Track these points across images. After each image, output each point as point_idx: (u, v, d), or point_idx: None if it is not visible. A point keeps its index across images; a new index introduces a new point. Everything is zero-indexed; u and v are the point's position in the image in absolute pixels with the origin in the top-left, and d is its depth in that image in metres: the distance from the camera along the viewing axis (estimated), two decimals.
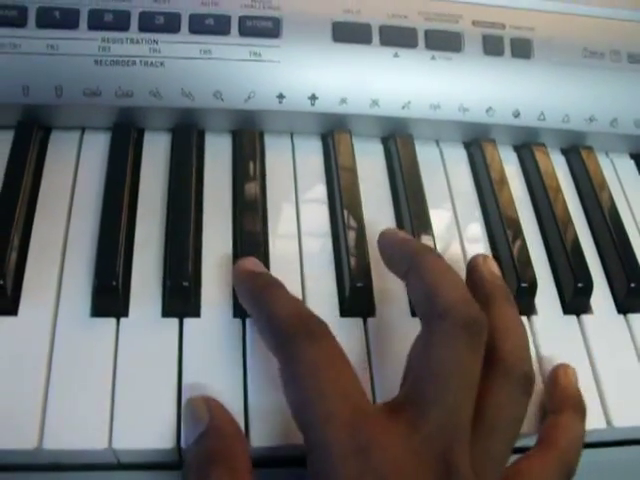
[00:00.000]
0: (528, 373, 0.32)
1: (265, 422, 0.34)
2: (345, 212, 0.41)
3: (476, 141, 0.48)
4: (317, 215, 0.43)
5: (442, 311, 0.30)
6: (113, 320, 0.36)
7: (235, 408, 0.33)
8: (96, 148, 0.44)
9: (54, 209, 0.40)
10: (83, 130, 0.45)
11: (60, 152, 0.43)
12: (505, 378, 0.31)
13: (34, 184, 0.41)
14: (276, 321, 0.31)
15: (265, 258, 0.39)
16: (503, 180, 0.45)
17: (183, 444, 0.33)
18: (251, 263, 0.37)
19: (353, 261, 0.39)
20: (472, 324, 0.30)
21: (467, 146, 0.49)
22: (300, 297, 0.39)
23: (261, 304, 0.33)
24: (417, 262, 0.33)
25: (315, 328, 0.30)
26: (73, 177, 0.42)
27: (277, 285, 0.34)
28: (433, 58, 0.46)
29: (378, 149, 0.47)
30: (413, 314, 0.39)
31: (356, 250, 0.39)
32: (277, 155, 0.45)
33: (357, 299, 0.39)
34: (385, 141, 0.47)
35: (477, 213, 0.45)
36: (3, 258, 0.36)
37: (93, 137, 0.44)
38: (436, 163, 0.47)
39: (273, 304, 0.32)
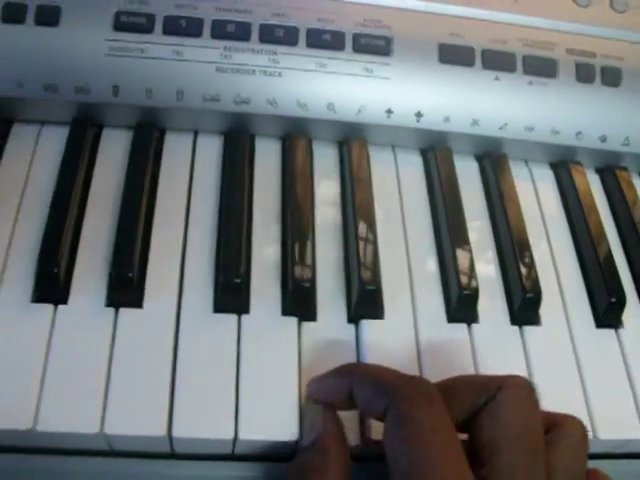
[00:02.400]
0: (584, 429, 0.33)
1: None
2: (450, 221, 0.43)
3: (563, 163, 0.50)
4: (421, 225, 0.45)
5: (499, 384, 0.31)
6: (234, 317, 0.38)
7: None
8: (210, 150, 0.45)
9: (171, 215, 0.42)
10: (196, 133, 0.46)
11: (176, 154, 0.45)
12: (568, 439, 0.32)
13: (153, 184, 0.43)
14: (386, 381, 0.31)
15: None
16: (592, 204, 0.47)
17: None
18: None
19: (458, 271, 0.41)
20: (529, 385, 0.32)
21: (554, 167, 0.51)
22: (410, 308, 0.40)
23: (366, 370, 0.33)
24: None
25: (429, 390, 0.30)
26: (189, 180, 0.44)
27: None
28: (530, 83, 0.48)
29: (473, 166, 0.49)
30: (513, 322, 0.41)
31: (461, 263, 0.41)
32: (382, 167, 0.47)
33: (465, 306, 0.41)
34: (479, 159, 0.49)
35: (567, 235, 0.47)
36: (132, 253, 0.38)
37: (207, 140, 0.46)
38: (527, 182, 0.49)
39: (378, 369, 0.33)
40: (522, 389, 0.31)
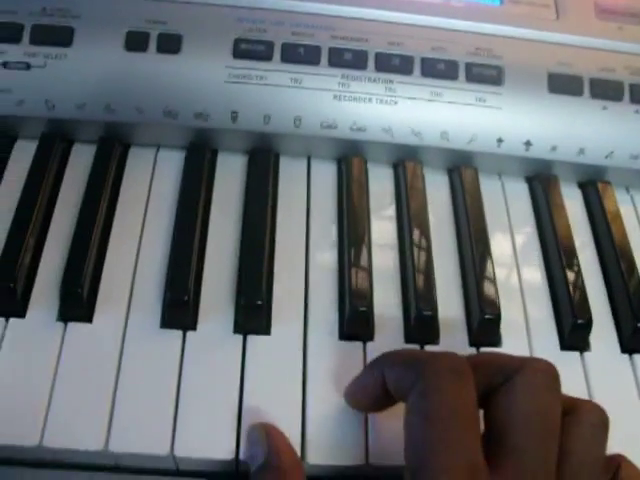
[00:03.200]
0: (604, 414, 0.32)
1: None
2: (560, 248, 0.44)
3: None
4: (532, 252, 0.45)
5: (519, 365, 0.31)
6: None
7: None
8: (324, 177, 0.46)
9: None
10: (309, 159, 0.47)
11: (292, 178, 0.46)
12: (585, 424, 0.31)
13: (273, 206, 0.44)
14: (416, 356, 0.32)
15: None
16: None
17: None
18: None
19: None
20: (550, 369, 0.31)
21: None
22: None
23: (397, 352, 0.34)
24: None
25: (460, 366, 0.30)
26: (307, 204, 0.45)
27: None
28: (637, 112, 0.48)
29: (577, 194, 0.50)
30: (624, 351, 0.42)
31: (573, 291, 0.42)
32: (491, 195, 0.47)
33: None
34: (583, 187, 0.50)
35: None
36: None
37: (322, 166, 0.47)
38: (630, 211, 0.50)
39: (410, 349, 0.34)
40: (541, 372, 0.31)
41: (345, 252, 0.42)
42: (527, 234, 0.47)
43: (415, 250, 0.42)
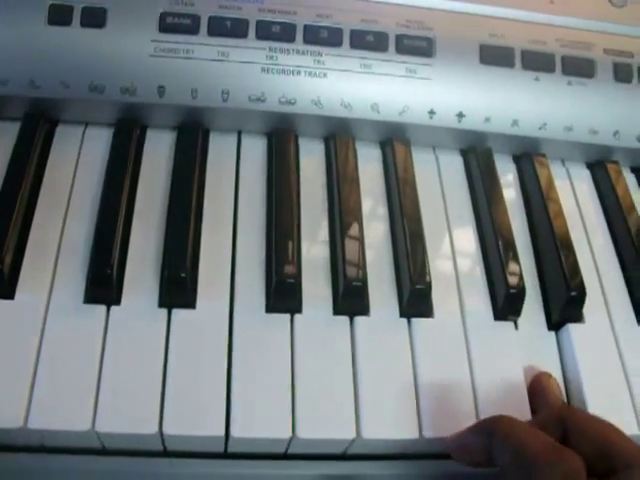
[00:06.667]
0: None
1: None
2: (494, 224, 0.44)
3: (600, 163, 0.50)
4: (465, 224, 0.45)
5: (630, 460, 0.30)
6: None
7: None
8: (254, 151, 0.46)
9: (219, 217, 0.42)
10: (239, 134, 0.47)
11: (221, 154, 0.45)
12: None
13: (201, 182, 0.43)
14: (532, 452, 0.29)
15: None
16: (631, 204, 0.48)
17: None
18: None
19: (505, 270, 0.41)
20: None
21: (590, 166, 0.51)
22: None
23: (508, 433, 0.31)
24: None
25: (577, 474, 0.29)
26: (235, 176, 0.44)
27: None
28: (569, 83, 0.48)
29: (512, 167, 0.50)
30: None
31: (506, 262, 0.42)
32: (424, 169, 0.47)
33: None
34: (517, 160, 0.50)
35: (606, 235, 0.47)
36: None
37: (252, 141, 0.46)
38: (564, 181, 0.50)
39: (522, 432, 0.31)
40: None
41: (273, 225, 0.41)
42: (461, 209, 0.46)
43: (345, 228, 0.42)
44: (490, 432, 0.31)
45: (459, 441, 0.34)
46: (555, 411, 0.33)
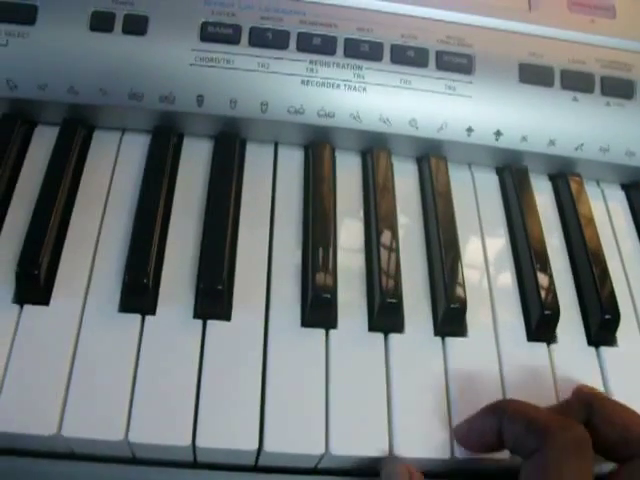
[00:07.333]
0: None
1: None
2: (529, 242, 0.43)
3: (636, 184, 0.50)
4: (500, 242, 0.45)
5: None
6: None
7: None
8: (291, 163, 0.46)
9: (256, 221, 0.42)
10: (276, 145, 0.46)
11: (257, 164, 0.45)
12: None
13: (237, 192, 0.43)
14: (540, 422, 0.30)
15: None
16: None
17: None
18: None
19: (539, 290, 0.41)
20: None
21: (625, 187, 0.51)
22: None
23: (518, 408, 0.33)
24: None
25: (582, 441, 0.30)
26: (272, 186, 0.44)
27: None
28: (608, 104, 0.48)
29: (547, 186, 0.49)
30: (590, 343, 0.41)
31: (541, 282, 0.41)
32: (459, 185, 0.47)
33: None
34: (553, 179, 0.50)
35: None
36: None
37: (289, 153, 0.46)
38: (600, 205, 0.49)
39: (531, 408, 0.32)
40: None
41: (309, 236, 0.41)
42: (496, 226, 0.46)
43: (382, 242, 0.41)
44: (501, 411, 0.32)
45: (470, 424, 0.35)
46: (582, 395, 0.34)
